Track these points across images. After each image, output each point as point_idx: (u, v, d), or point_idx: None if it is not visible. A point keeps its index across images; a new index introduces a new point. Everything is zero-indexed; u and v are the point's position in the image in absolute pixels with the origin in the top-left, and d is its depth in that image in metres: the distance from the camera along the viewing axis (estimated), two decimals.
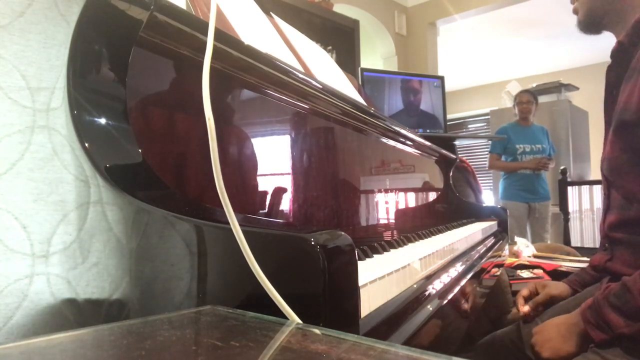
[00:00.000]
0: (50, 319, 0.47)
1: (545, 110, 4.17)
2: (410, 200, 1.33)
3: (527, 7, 4.07)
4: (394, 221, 1.16)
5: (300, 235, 0.40)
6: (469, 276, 0.86)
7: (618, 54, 0.90)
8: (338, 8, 3.16)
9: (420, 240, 0.97)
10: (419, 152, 1.44)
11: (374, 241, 0.76)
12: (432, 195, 1.56)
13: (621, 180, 0.88)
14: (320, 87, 0.80)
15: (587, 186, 4.43)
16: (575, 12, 0.98)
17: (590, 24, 0.96)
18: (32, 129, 0.47)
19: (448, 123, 2.54)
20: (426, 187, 1.50)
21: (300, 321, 0.36)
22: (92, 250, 0.48)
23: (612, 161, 0.89)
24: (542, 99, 4.24)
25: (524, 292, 1.10)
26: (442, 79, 2.48)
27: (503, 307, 1.50)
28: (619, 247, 0.90)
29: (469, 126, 6.89)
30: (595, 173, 4.70)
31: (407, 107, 2.32)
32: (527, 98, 3.56)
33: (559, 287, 1.08)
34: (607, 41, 0.92)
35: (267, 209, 0.68)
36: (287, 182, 0.73)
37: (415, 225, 1.32)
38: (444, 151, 1.62)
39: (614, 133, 0.87)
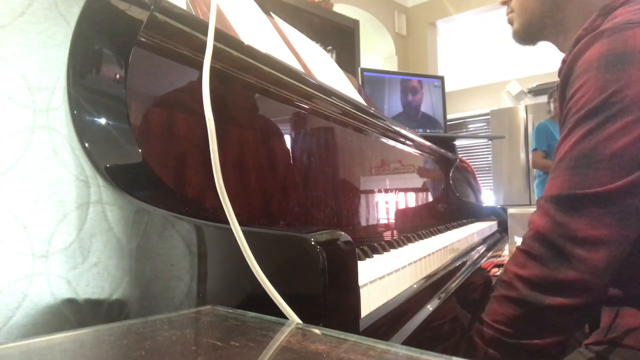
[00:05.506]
0: (50, 319, 0.47)
1: (545, 110, 4.17)
2: (410, 200, 1.33)
3: None
4: (394, 221, 1.16)
5: (300, 235, 0.40)
6: (468, 276, 0.86)
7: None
8: (338, 8, 3.16)
9: (420, 240, 0.97)
10: (419, 152, 1.44)
11: (374, 241, 0.76)
12: (432, 195, 1.55)
13: None
14: (321, 87, 0.80)
15: None
16: (510, 22, 0.95)
17: (527, 36, 0.93)
18: (32, 129, 0.47)
19: (448, 123, 2.53)
20: (426, 187, 1.50)
21: (300, 321, 0.36)
22: (92, 250, 0.48)
23: None
24: (543, 99, 4.24)
25: None
26: (442, 79, 2.48)
27: None
28: None
29: (469, 126, 6.90)
30: None
31: (407, 109, 2.31)
32: None
33: None
34: None
35: (267, 209, 0.68)
36: (287, 182, 0.73)
37: (415, 225, 1.32)
38: (443, 151, 1.62)
39: None
